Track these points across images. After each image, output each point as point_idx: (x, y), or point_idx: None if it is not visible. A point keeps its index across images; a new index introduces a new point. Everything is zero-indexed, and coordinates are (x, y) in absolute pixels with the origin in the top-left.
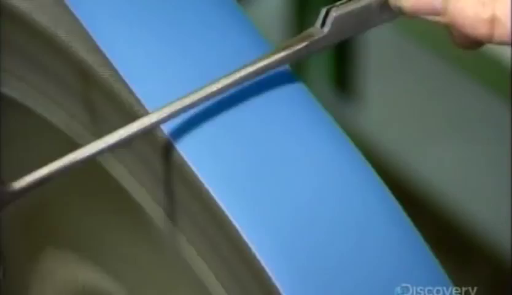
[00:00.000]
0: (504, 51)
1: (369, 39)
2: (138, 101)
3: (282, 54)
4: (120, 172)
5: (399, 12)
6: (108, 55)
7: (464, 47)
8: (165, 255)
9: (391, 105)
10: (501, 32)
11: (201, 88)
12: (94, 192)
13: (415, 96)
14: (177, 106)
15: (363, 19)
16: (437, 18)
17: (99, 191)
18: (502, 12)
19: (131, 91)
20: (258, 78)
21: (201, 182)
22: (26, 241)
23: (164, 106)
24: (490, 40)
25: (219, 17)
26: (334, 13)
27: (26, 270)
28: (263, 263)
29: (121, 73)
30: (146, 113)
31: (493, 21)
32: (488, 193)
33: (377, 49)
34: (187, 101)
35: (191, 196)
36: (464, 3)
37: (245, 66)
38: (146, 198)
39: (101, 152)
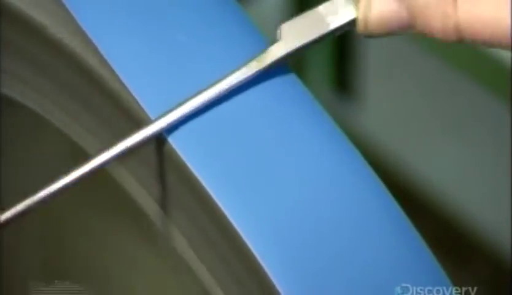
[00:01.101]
0: (504, 51)
1: (369, 39)
2: (138, 103)
3: (282, 52)
4: (119, 172)
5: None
6: (106, 56)
7: None
8: (164, 257)
9: (391, 105)
10: (468, 37)
11: (205, 90)
12: (94, 193)
13: (415, 96)
14: (182, 111)
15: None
16: (408, 31)
17: (98, 192)
18: (465, 20)
19: (130, 93)
20: (257, 79)
21: (199, 181)
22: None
23: (168, 112)
24: (461, 42)
25: (219, 16)
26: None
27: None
28: (261, 262)
29: (120, 74)
30: (144, 112)
31: (458, 28)
32: (488, 193)
33: (377, 49)
34: (191, 105)
35: (190, 194)
36: (431, 18)
37: (238, 68)
38: (145, 197)
39: (108, 162)
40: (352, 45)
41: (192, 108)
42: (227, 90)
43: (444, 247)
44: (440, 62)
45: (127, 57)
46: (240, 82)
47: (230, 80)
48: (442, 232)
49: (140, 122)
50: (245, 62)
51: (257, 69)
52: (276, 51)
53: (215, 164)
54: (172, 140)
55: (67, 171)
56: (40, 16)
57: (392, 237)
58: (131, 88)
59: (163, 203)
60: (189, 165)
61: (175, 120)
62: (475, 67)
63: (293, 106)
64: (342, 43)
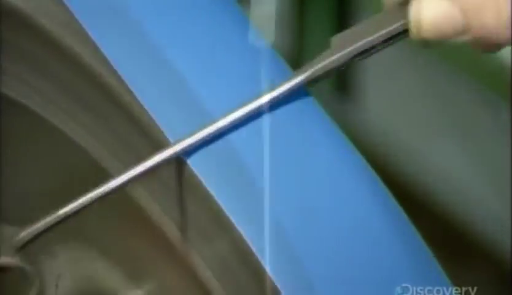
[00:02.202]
0: (504, 51)
1: None
2: (138, 101)
3: (300, 78)
4: (138, 192)
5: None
6: (108, 57)
7: (485, 51)
8: (181, 275)
9: (391, 105)
10: None
11: (223, 117)
12: (112, 213)
13: (415, 96)
14: (200, 136)
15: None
16: (460, 38)
17: (117, 211)
18: None
19: (132, 94)
20: (275, 103)
21: (217, 203)
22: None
23: (189, 136)
24: None
25: (221, 19)
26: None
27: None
28: (266, 267)
29: (125, 78)
30: (143, 110)
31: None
32: (489, 194)
33: None
34: (209, 131)
35: (200, 207)
36: (486, 18)
37: (263, 94)
38: (162, 217)
39: (126, 184)
40: None
41: (211, 131)
42: (246, 114)
43: (444, 247)
44: (440, 62)
45: (130, 60)
46: (263, 104)
47: (245, 108)
48: (442, 232)
49: (130, 114)
50: (283, 81)
51: (301, 79)
52: (326, 60)
53: (232, 186)
54: (191, 162)
55: (87, 191)
56: (41, 17)
57: (392, 237)
58: (131, 87)
59: (181, 224)
60: (207, 187)
61: (194, 143)
62: (475, 67)
63: (293, 105)
64: None
